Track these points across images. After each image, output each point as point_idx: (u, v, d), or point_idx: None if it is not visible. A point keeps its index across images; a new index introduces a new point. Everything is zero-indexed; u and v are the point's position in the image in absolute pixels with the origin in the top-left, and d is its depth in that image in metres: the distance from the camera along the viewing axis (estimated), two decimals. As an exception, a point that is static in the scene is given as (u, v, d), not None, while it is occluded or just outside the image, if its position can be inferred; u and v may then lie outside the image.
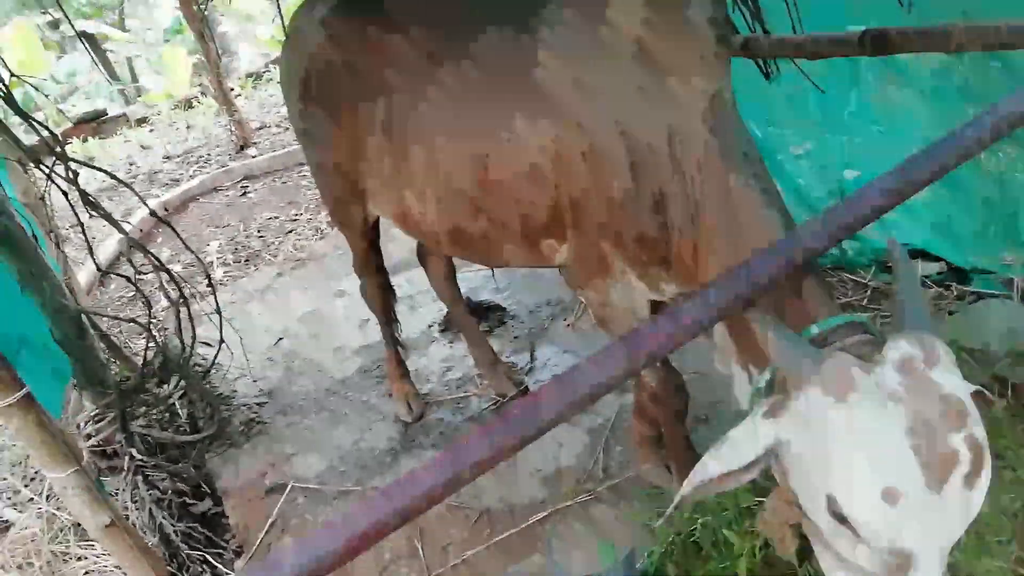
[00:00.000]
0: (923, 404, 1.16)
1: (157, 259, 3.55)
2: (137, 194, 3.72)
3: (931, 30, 2.26)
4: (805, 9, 2.95)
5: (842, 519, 1.19)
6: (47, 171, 3.03)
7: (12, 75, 3.45)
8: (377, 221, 3.02)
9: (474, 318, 3.74)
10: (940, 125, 3.19)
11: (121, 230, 3.33)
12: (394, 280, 3.86)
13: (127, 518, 3.03)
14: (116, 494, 3.15)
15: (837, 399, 1.19)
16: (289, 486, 3.22)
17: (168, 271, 3.61)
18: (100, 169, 3.61)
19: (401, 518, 1.19)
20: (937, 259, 3.41)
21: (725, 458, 1.29)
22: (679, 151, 1.81)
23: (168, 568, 2.93)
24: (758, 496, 1.89)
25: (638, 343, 1.32)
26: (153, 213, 3.65)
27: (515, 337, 3.91)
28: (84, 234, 3.33)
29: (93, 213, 3.29)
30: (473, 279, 4.38)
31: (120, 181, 3.59)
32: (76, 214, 3.26)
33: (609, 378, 1.30)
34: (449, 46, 2.28)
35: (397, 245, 4.59)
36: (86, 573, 3.07)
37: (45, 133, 3.15)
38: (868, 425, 1.16)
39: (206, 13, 8.74)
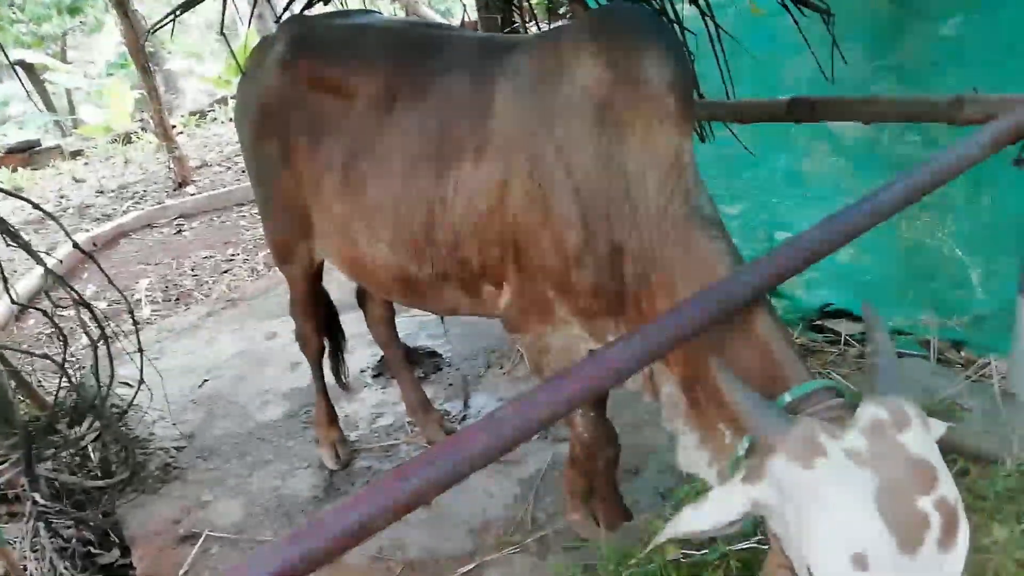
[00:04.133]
0: (891, 468, 1.16)
1: (76, 292, 3.40)
2: (61, 225, 3.57)
3: (853, 100, 2.38)
4: (738, 77, 3.08)
5: None
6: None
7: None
8: (322, 264, 2.97)
9: (409, 364, 3.68)
10: (865, 191, 3.34)
11: (40, 261, 3.18)
12: (328, 323, 3.76)
13: (24, 569, 2.83)
14: (14, 543, 2.93)
15: (804, 466, 1.19)
16: (203, 535, 3.05)
17: (88, 305, 3.46)
18: (22, 198, 3.46)
19: (309, 564, 1.13)
20: (859, 319, 3.53)
21: (706, 514, 1.30)
22: (638, 206, 1.80)
23: (65, 624, 2.73)
24: (684, 549, 1.87)
25: (563, 386, 1.31)
26: (76, 245, 3.50)
27: (449, 384, 3.85)
28: (-1, 265, 3.18)
29: (12, 244, 3.15)
30: (409, 324, 4.33)
31: (43, 212, 3.44)
32: (-8, 243, 3.11)
33: (533, 421, 1.28)
34: (406, 89, 2.28)
35: (332, 287, 4.52)
36: (-26, 628, 2.82)
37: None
38: (835, 490, 1.16)
39: (151, 49, 8.66)
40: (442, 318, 4.14)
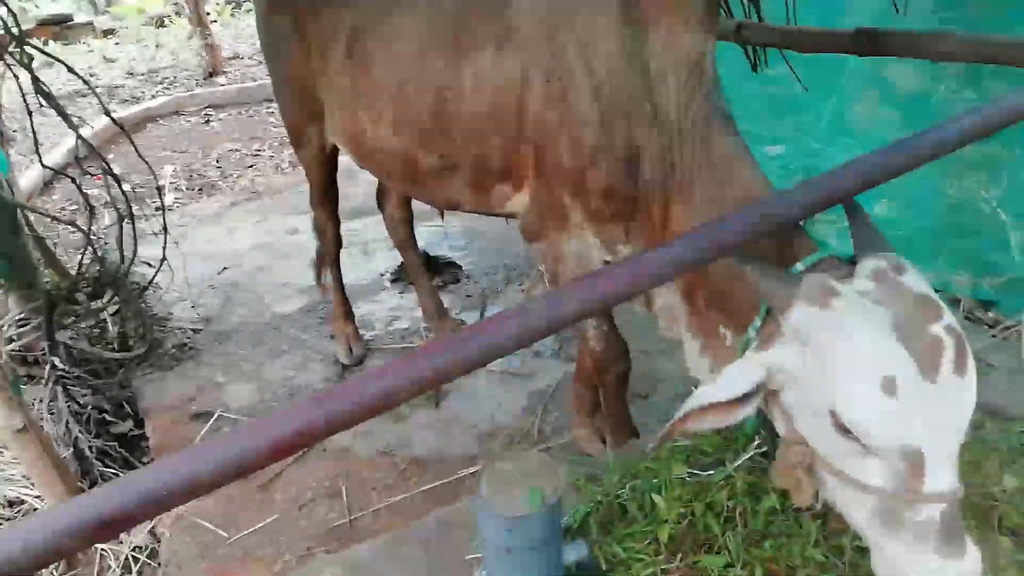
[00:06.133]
0: (900, 303, 1.23)
1: (106, 162, 3.39)
2: (96, 94, 3.54)
3: (923, 35, 2.27)
4: (802, 3, 2.94)
5: (848, 432, 1.20)
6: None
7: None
8: (336, 153, 2.93)
9: (426, 270, 3.68)
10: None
11: (71, 125, 3.16)
12: (351, 224, 3.78)
13: (42, 428, 2.91)
14: (33, 404, 3.01)
15: (822, 307, 1.24)
16: (216, 414, 3.13)
17: (116, 177, 3.45)
18: (60, 61, 3.41)
19: (332, 426, 1.14)
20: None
21: (719, 389, 1.32)
22: (659, 107, 1.78)
23: (79, 484, 2.82)
24: (691, 468, 1.89)
25: (598, 285, 1.29)
26: (108, 114, 3.47)
27: (468, 296, 3.86)
28: (31, 125, 3.16)
29: (45, 104, 3.12)
30: (432, 234, 4.31)
31: (81, 78, 3.40)
32: (27, 104, 3.09)
33: (563, 314, 1.27)
34: None
35: (359, 188, 4.50)
36: (-9, 478, 2.93)
37: (7, 18, 2.95)
38: (855, 324, 1.21)
39: (191, -71, 8.41)
40: (442, 216, 4.04)
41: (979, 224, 3.13)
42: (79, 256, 3.47)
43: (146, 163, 3.61)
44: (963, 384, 1.19)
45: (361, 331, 3.50)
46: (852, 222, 1.46)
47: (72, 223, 3.49)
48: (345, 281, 3.49)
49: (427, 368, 1.18)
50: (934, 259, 3.20)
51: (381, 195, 3.46)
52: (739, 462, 1.80)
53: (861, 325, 1.21)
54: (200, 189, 6.01)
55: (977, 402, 2.06)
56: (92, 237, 3.45)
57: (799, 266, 1.43)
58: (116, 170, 5.99)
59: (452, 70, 2.08)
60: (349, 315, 3.43)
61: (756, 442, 1.82)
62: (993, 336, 2.54)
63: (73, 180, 3.38)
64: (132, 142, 3.61)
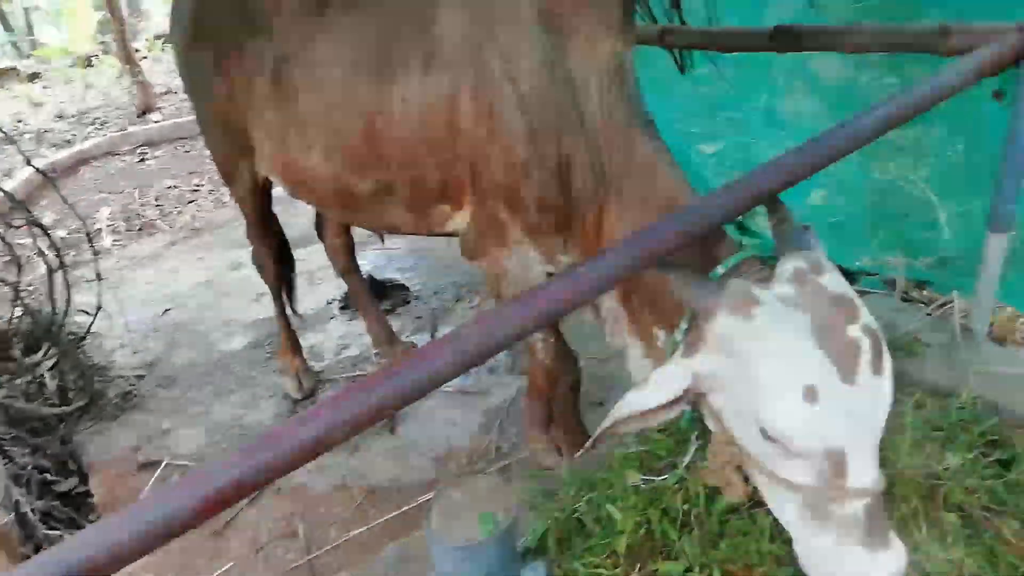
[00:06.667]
0: (819, 306, 1.25)
1: (30, 213, 3.28)
2: (16, 145, 3.43)
3: (837, 29, 2.33)
4: (722, 8, 2.99)
5: (772, 439, 1.22)
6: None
7: None
8: (269, 185, 2.88)
9: (373, 295, 3.63)
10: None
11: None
12: (296, 253, 3.68)
13: (-21, 494, 2.78)
14: (-32, 470, 2.87)
15: (744, 316, 1.25)
16: (164, 462, 3.02)
17: (43, 227, 3.34)
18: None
19: (264, 477, 1.09)
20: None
21: (647, 394, 1.32)
22: (585, 116, 1.79)
23: (21, 550, 2.70)
24: (645, 474, 1.88)
25: (533, 303, 1.27)
26: (29, 162, 3.37)
27: (417, 317, 3.81)
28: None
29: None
30: (377, 257, 4.26)
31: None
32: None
33: (498, 337, 1.25)
34: None
35: (300, 217, 4.42)
36: (-76, 551, 2.78)
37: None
38: (776, 331, 1.22)
39: (112, -34, 8.22)
40: (382, 239, 4.01)
41: (909, 205, 3.20)
42: (10, 311, 3.34)
43: (73, 210, 3.49)
44: (880, 383, 1.22)
45: (311, 362, 3.44)
46: (772, 220, 1.48)
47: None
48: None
49: (363, 405, 1.15)
50: (868, 242, 3.26)
51: (320, 224, 3.41)
52: (686, 461, 1.79)
53: (783, 336, 1.22)
54: (140, 229, 5.85)
55: (916, 380, 2.11)
56: (22, 290, 3.32)
57: (720, 269, 1.45)
58: (50, 217, 5.86)
59: (380, 94, 2.05)
60: (297, 348, 3.36)
61: (699, 441, 1.81)
62: (928, 315, 2.59)
63: (-3, 235, 3.26)
64: (57, 189, 3.50)
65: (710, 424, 1.42)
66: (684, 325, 1.46)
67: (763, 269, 1.40)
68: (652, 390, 1.32)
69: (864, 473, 1.20)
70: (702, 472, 1.40)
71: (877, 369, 1.21)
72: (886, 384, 1.23)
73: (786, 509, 1.30)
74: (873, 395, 1.21)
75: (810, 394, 1.17)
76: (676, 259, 1.38)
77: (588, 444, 1.40)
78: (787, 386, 1.19)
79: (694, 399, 1.37)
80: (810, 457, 1.20)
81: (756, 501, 1.66)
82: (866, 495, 1.20)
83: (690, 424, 1.57)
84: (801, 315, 1.23)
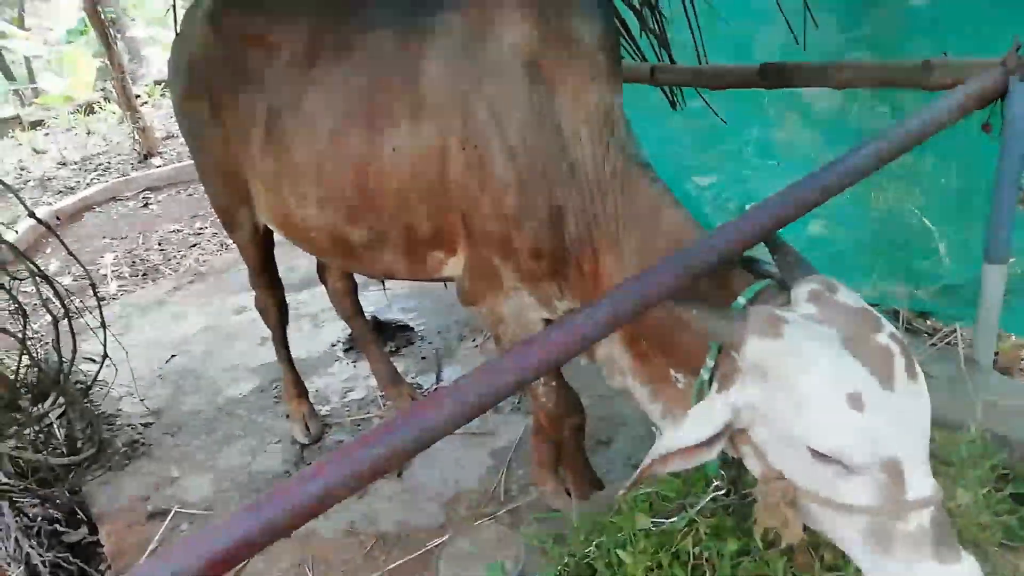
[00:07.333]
0: (843, 320, 1.27)
1: (34, 264, 3.31)
2: (18, 196, 3.46)
3: (823, 65, 2.37)
4: (711, 46, 3.04)
5: (827, 457, 1.21)
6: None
7: None
8: (270, 232, 2.91)
9: (377, 336, 3.64)
10: (834, 162, 3.34)
11: (-6, 232, 3.08)
12: (299, 296, 3.73)
13: (-13, 548, 2.77)
14: (-23, 523, 2.86)
15: (774, 337, 1.26)
16: (172, 511, 3.01)
17: (47, 277, 3.36)
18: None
19: (270, 535, 1.10)
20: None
21: (686, 433, 1.32)
22: (576, 165, 1.81)
23: (31, 604, 2.69)
24: (655, 517, 1.87)
25: (530, 353, 1.29)
26: (32, 215, 3.39)
27: (422, 358, 3.82)
28: (-48, 236, 3.07)
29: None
30: (381, 298, 4.28)
31: (0, 182, 3.33)
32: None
33: (498, 388, 1.26)
34: (332, 45, 2.21)
35: (304, 260, 4.46)
36: (-66, 609, 2.77)
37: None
38: (808, 346, 1.23)
39: (114, 15, 8.39)
40: (383, 284, 4.06)
41: (908, 235, 3.22)
42: (17, 361, 3.36)
43: (76, 259, 3.52)
44: (918, 388, 1.23)
45: (317, 406, 3.44)
46: (775, 254, 1.50)
47: (4, 330, 3.37)
48: (297, 355, 3.44)
49: (365, 461, 1.16)
50: (869, 272, 3.28)
51: (321, 268, 3.43)
52: (700, 505, 1.79)
53: (815, 349, 1.23)
54: (144, 274, 5.89)
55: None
56: (29, 343, 3.34)
57: (741, 300, 1.45)
58: (53, 266, 5.90)
59: (371, 145, 2.08)
60: (303, 393, 3.37)
61: (715, 483, 1.81)
62: (933, 345, 2.60)
63: (2, 286, 3.28)
64: (59, 238, 3.53)
65: (751, 465, 1.40)
66: (711, 362, 1.45)
67: (781, 296, 1.43)
68: (690, 427, 1.32)
69: (922, 482, 1.19)
70: (756, 515, 1.36)
71: (912, 374, 1.23)
72: (924, 389, 1.24)
73: (850, 538, 1.27)
74: (914, 400, 1.22)
75: (855, 402, 1.17)
76: (692, 297, 1.40)
77: (628, 484, 1.38)
78: (831, 397, 1.19)
79: (731, 439, 1.36)
80: (866, 470, 1.19)
81: (769, 542, 1.66)
82: (928, 504, 1.18)
83: (715, 470, 1.56)
84: (828, 329, 1.25)
